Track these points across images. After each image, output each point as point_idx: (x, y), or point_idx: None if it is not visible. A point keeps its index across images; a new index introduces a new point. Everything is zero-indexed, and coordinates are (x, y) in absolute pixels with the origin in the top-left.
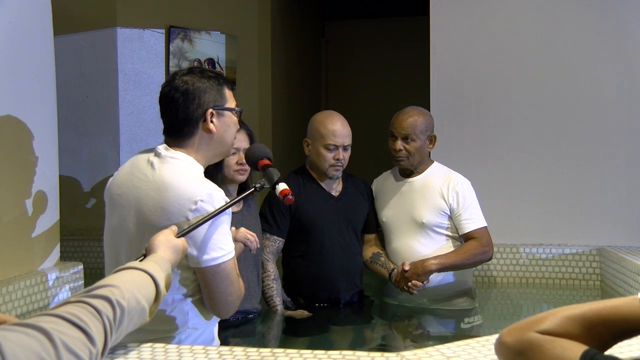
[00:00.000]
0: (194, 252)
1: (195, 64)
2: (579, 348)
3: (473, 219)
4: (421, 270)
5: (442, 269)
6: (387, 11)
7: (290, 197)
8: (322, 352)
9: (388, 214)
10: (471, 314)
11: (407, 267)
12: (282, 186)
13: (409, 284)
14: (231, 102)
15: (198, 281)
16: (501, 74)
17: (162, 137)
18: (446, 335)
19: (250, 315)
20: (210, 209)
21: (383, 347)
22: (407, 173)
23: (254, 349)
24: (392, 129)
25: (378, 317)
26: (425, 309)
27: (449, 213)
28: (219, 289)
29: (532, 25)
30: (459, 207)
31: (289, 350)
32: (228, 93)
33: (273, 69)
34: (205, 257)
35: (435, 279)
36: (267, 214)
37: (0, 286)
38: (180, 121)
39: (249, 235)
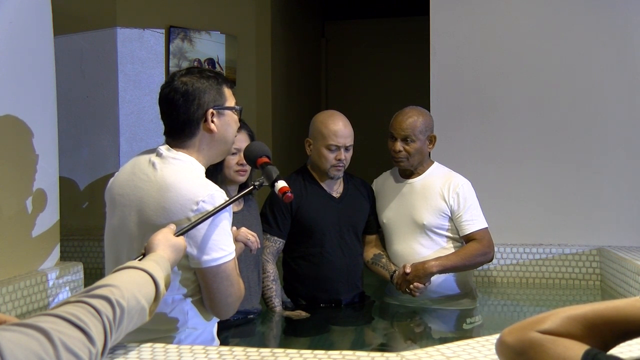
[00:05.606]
0: (195, 252)
1: (195, 64)
2: (580, 347)
3: (474, 221)
4: (422, 272)
5: (443, 271)
6: (387, 11)
7: (290, 194)
8: (322, 352)
9: (388, 215)
10: (472, 314)
11: (408, 270)
12: (281, 184)
13: (411, 286)
14: (231, 101)
15: (198, 281)
16: (501, 74)
17: (162, 137)
18: (447, 335)
19: (250, 316)
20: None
21: (383, 347)
22: (407, 174)
23: (254, 349)
24: (392, 129)
25: (379, 317)
26: (426, 309)
27: (449, 214)
28: (219, 289)
29: (532, 25)
30: (460, 208)
31: (289, 350)
32: (227, 92)
33: (273, 69)
34: (206, 257)
35: (437, 279)
36: (268, 215)
37: (0, 286)
38: (181, 122)
39: (249, 236)
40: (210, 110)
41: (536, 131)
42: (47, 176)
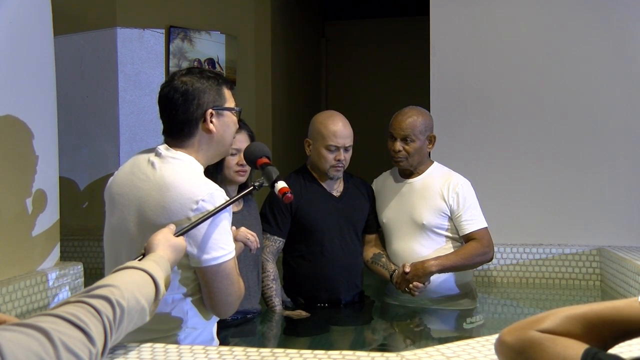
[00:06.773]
0: (195, 252)
1: (195, 64)
2: (580, 347)
3: (473, 220)
4: (422, 271)
5: (442, 270)
6: (387, 11)
7: (289, 195)
8: (322, 352)
9: (388, 215)
10: (472, 314)
11: (407, 269)
12: (281, 184)
13: (410, 285)
14: (230, 102)
15: (198, 281)
16: (501, 74)
17: (162, 137)
18: (447, 335)
19: (250, 315)
20: (211, 208)
21: (383, 347)
22: (407, 174)
23: (254, 349)
24: (391, 129)
25: (378, 317)
26: (426, 309)
27: (449, 214)
28: (219, 288)
29: (532, 26)
30: (459, 208)
31: (289, 350)
32: (227, 93)
33: (273, 69)
34: (206, 256)
35: (436, 279)
36: (268, 214)
37: (0, 286)
38: (180, 122)
39: (249, 235)
40: (210, 110)
41: (536, 131)
42: (47, 176)
